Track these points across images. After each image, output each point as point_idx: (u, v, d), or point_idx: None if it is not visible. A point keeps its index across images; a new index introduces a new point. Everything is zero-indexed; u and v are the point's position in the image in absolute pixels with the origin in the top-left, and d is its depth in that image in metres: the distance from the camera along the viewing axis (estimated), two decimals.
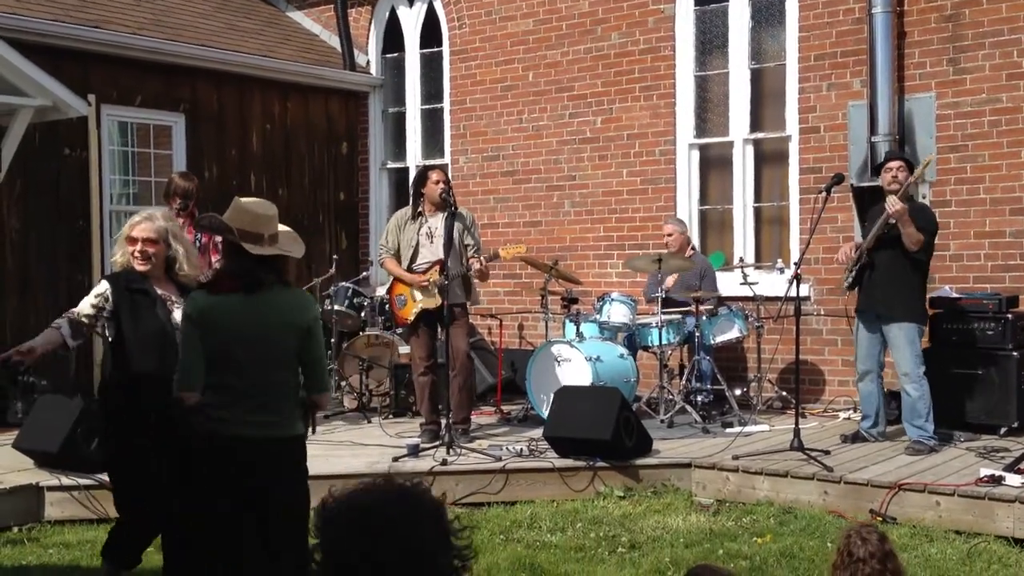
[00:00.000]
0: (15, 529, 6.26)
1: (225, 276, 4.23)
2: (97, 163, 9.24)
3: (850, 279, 7.42)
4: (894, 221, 7.00)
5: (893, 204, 6.95)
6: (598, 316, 8.71)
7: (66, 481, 6.50)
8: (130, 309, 4.72)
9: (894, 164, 7.24)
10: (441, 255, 7.56)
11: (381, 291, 10.00)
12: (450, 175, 9.27)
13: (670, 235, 9.11)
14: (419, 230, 7.82)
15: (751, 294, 8.77)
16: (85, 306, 4.82)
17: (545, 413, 7.88)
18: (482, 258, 7.64)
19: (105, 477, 6.32)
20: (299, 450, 4.33)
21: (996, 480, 6.09)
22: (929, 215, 7.39)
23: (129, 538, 4.91)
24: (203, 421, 4.09)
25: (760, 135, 9.76)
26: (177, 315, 4.67)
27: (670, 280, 8.79)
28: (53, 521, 6.41)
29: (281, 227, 4.32)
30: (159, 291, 4.77)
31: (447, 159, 11.29)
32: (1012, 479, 6.07)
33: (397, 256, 7.89)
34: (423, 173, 7.96)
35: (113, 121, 9.95)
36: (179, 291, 4.82)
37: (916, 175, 7.16)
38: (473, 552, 2.01)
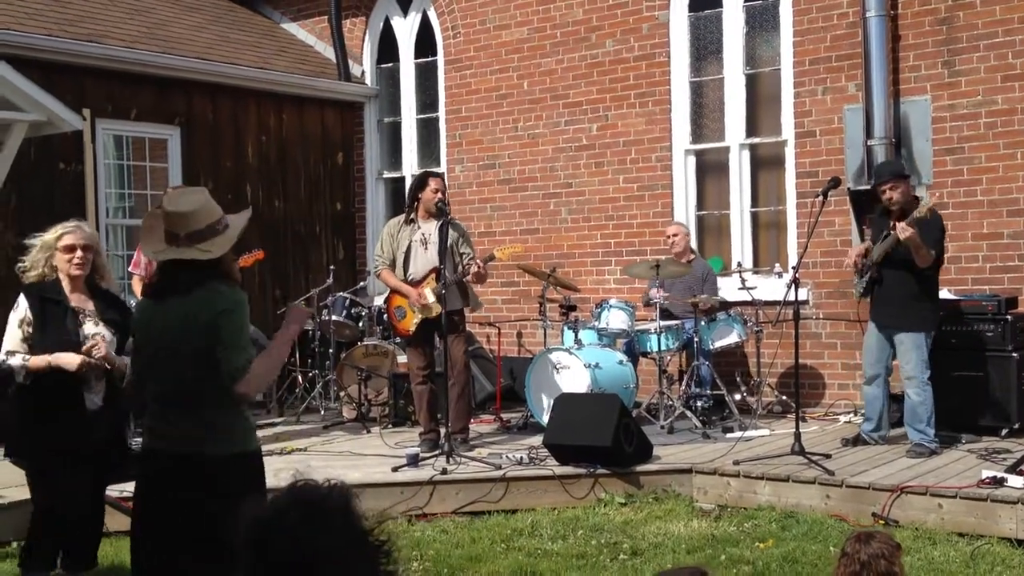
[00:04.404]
0: (13, 544, 6.22)
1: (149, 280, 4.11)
2: (92, 177, 9.20)
3: (862, 288, 7.39)
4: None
5: (904, 231, 6.87)
6: (596, 323, 8.69)
7: None
8: (42, 321, 4.84)
9: (886, 185, 7.15)
10: (436, 262, 7.55)
11: (379, 301, 9.99)
12: (446, 184, 9.26)
13: (675, 235, 9.07)
14: (412, 235, 7.81)
15: (750, 299, 8.76)
16: (14, 341, 4.86)
17: (545, 420, 7.86)
18: (479, 261, 7.65)
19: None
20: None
21: (998, 482, 6.07)
22: (935, 222, 7.20)
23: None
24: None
25: (756, 140, 9.76)
26: (87, 327, 4.85)
27: (656, 291, 8.56)
28: None
29: (230, 217, 3.78)
30: (74, 303, 4.90)
31: (443, 168, 11.28)
32: (1014, 481, 6.05)
33: (393, 265, 7.88)
34: (423, 178, 7.94)
35: (108, 135, 9.94)
36: (95, 300, 4.97)
37: (919, 214, 6.89)
38: (397, 549, 1.97)
